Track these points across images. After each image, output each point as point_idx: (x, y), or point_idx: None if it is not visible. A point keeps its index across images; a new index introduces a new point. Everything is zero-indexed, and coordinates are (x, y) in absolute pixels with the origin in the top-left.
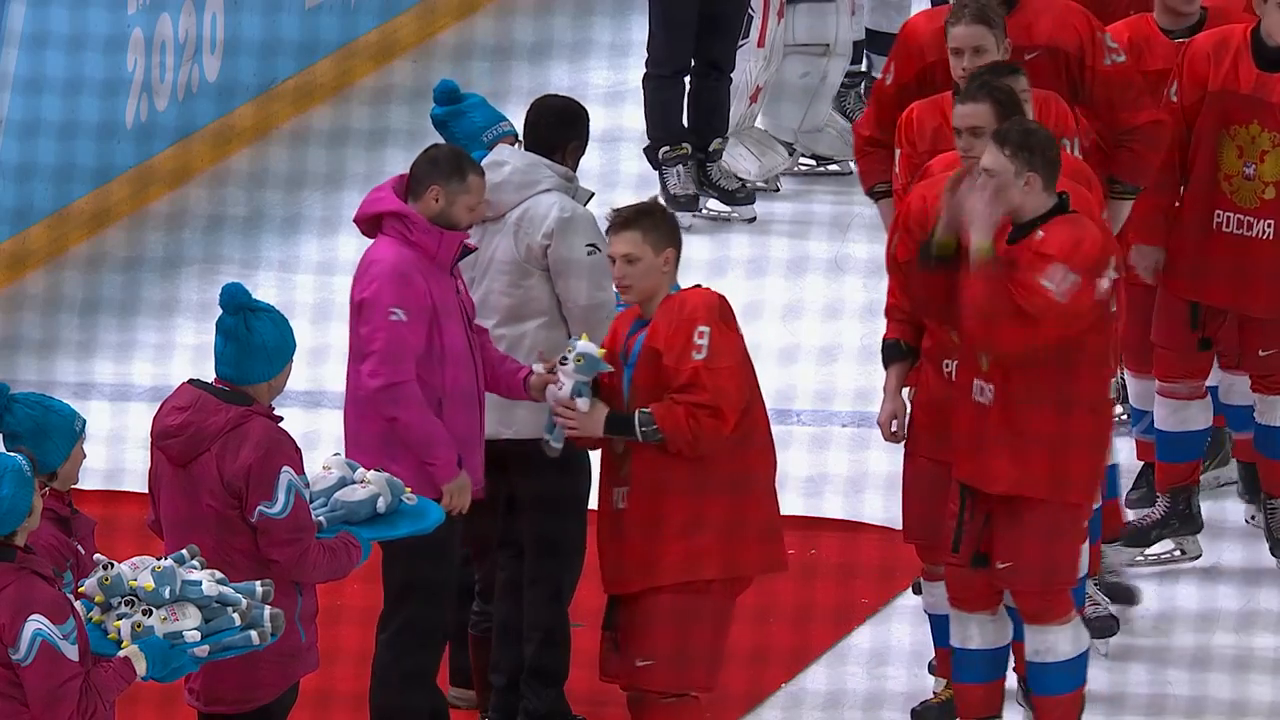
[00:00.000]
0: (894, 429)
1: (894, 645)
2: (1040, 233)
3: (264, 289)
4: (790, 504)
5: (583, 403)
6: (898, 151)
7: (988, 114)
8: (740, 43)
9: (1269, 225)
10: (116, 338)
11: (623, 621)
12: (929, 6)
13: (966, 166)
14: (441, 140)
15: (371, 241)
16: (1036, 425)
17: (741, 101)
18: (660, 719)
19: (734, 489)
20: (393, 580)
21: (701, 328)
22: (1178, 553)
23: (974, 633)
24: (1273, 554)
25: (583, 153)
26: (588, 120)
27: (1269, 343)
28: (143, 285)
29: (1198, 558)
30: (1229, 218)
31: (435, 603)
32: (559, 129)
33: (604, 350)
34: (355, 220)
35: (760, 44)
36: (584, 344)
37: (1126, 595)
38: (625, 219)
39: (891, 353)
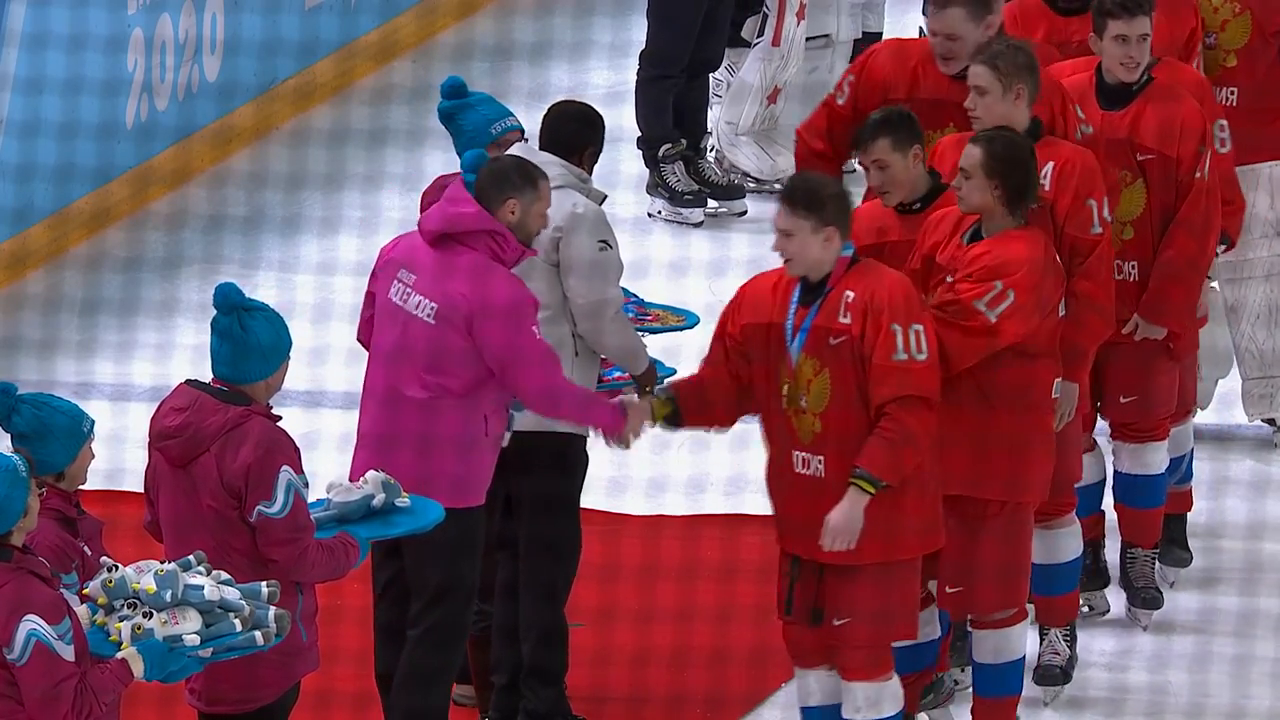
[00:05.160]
0: None
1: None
2: (849, 293)
3: (264, 289)
4: None
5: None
6: None
7: (987, 75)
8: (755, 41)
9: (1133, 267)
10: (116, 338)
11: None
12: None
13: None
14: (448, 136)
15: (393, 235)
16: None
17: (757, 102)
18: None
19: None
20: (431, 578)
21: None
22: (1086, 609)
23: (814, 688)
24: (1130, 605)
25: (596, 160)
26: (604, 127)
27: (1130, 389)
28: (143, 285)
29: (1106, 613)
30: None
31: (468, 602)
32: (579, 132)
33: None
34: (432, 229)
35: (775, 43)
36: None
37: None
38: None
39: None
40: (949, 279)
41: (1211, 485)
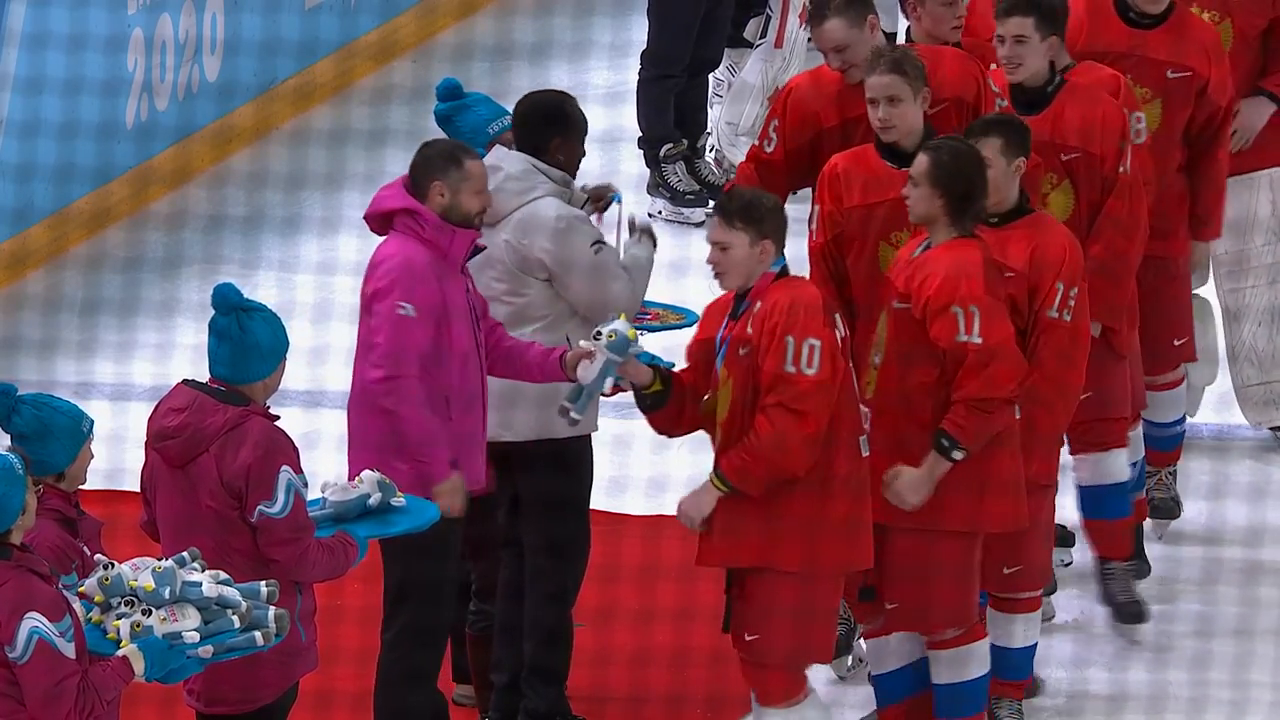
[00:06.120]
0: None
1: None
2: (759, 304)
3: (264, 289)
4: None
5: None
6: (816, 207)
7: (899, 83)
8: (758, 41)
9: None
10: (116, 338)
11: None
12: None
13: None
14: (445, 137)
15: (381, 239)
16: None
17: (758, 102)
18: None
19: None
20: (392, 580)
21: None
22: None
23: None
24: (1116, 619)
25: (574, 147)
26: (574, 115)
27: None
28: (143, 285)
29: (1051, 618)
30: None
31: (436, 601)
32: (541, 127)
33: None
34: (366, 217)
35: (778, 44)
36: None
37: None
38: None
39: None
40: (897, 304)
41: (1211, 488)
